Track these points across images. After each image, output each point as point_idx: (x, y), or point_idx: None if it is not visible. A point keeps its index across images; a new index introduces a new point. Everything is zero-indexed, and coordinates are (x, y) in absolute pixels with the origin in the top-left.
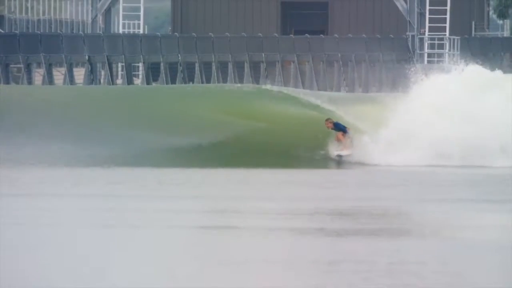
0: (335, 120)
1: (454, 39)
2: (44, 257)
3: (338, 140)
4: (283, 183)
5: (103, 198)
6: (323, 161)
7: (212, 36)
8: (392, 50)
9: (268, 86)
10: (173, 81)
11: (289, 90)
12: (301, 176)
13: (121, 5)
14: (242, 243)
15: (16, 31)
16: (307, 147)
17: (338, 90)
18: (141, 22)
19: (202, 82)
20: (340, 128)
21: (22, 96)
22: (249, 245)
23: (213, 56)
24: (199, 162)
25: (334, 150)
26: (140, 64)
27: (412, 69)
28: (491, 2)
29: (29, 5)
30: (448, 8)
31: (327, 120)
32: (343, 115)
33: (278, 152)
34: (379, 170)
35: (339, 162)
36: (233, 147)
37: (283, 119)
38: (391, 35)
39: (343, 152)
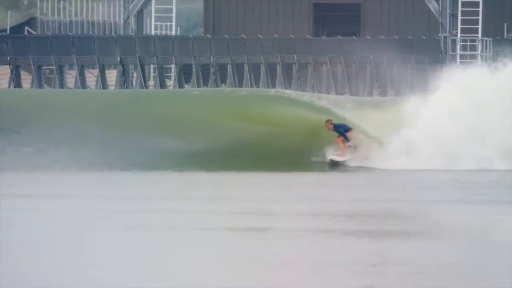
0: (336, 122)
1: (486, 41)
2: (97, 259)
3: (337, 143)
4: (310, 185)
5: (135, 200)
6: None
7: (244, 37)
8: (424, 51)
9: (280, 91)
10: (205, 83)
11: (298, 94)
12: (326, 179)
13: (153, 6)
14: (280, 244)
15: (48, 33)
16: (320, 150)
17: (371, 92)
18: (173, 23)
19: (235, 84)
20: (340, 131)
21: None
22: (289, 247)
23: (245, 58)
24: (217, 166)
25: (330, 153)
26: (172, 66)
27: (444, 71)
28: None
29: (61, 6)
30: (480, 9)
31: (327, 121)
32: (352, 118)
33: (290, 156)
34: (398, 172)
35: (333, 166)
36: (246, 151)
37: (292, 123)
38: (423, 37)
39: (338, 158)
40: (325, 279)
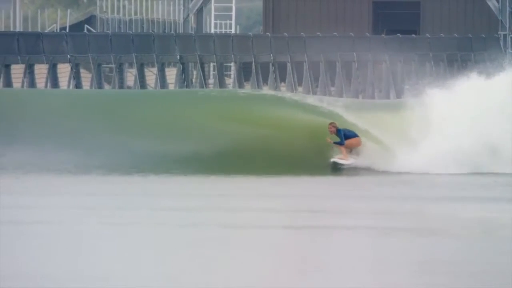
0: (340, 127)
1: None
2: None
3: (339, 147)
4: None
5: (187, 197)
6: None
7: (304, 35)
8: (483, 49)
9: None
10: (265, 81)
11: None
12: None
13: (212, 5)
14: (339, 242)
15: (108, 31)
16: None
17: None
18: (233, 22)
19: (294, 82)
20: (340, 136)
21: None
22: (346, 245)
23: (305, 56)
24: (233, 170)
25: (334, 155)
26: (232, 64)
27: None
28: None
29: (120, 4)
30: None
31: (330, 123)
32: (355, 120)
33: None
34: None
35: (336, 168)
36: (264, 154)
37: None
38: (482, 35)
39: (341, 161)
40: (387, 278)
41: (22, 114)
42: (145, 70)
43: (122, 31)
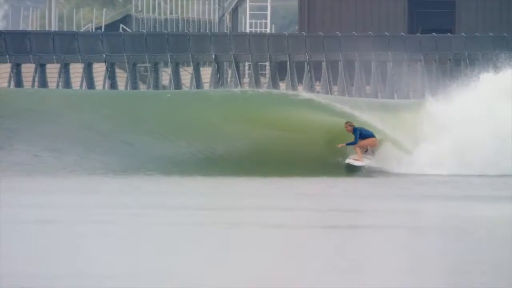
0: (357, 126)
1: None
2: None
3: (354, 148)
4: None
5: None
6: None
7: (339, 35)
8: None
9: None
10: (300, 80)
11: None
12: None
13: (248, 4)
14: (372, 242)
15: (143, 30)
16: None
17: None
18: (268, 21)
19: (329, 81)
20: (356, 134)
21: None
22: (381, 245)
23: (340, 55)
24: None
25: (349, 156)
26: (267, 63)
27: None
28: None
29: (156, 4)
30: None
31: (346, 122)
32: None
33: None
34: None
35: (350, 170)
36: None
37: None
38: None
39: (355, 162)
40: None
41: (24, 113)
42: (180, 69)
43: (157, 30)
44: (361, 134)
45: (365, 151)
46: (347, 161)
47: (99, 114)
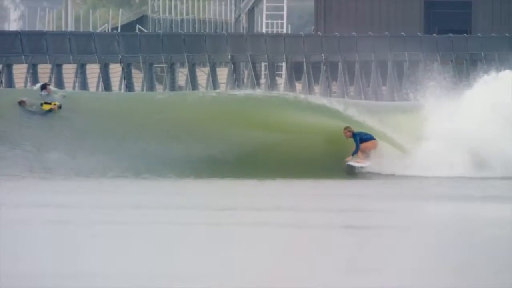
0: (356, 130)
1: None
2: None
3: (362, 150)
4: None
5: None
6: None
7: (355, 35)
8: None
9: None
10: (316, 81)
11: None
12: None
13: (264, 4)
14: (387, 242)
15: (159, 31)
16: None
17: None
18: (284, 21)
19: (345, 82)
20: (356, 140)
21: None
22: (395, 245)
23: (356, 56)
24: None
25: (350, 158)
26: (283, 64)
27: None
28: None
29: (172, 4)
30: None
31: (345, 128)
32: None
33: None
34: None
35: (350, 171)
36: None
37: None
38: None
39: (356, 164)
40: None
41: (14, 117)
42: (197, 70)
43: (173, 31)
44: (361, 139)
45: (367, 154)
46: (348, 162)
47: (115, 117)
